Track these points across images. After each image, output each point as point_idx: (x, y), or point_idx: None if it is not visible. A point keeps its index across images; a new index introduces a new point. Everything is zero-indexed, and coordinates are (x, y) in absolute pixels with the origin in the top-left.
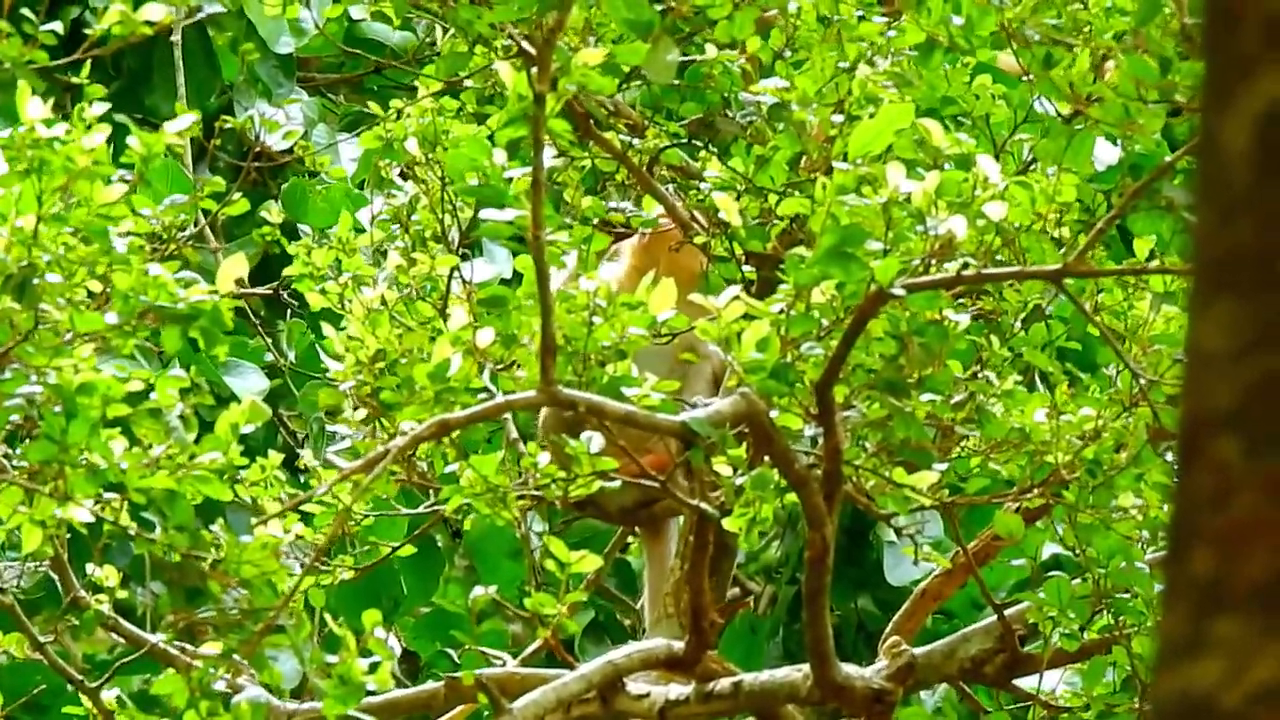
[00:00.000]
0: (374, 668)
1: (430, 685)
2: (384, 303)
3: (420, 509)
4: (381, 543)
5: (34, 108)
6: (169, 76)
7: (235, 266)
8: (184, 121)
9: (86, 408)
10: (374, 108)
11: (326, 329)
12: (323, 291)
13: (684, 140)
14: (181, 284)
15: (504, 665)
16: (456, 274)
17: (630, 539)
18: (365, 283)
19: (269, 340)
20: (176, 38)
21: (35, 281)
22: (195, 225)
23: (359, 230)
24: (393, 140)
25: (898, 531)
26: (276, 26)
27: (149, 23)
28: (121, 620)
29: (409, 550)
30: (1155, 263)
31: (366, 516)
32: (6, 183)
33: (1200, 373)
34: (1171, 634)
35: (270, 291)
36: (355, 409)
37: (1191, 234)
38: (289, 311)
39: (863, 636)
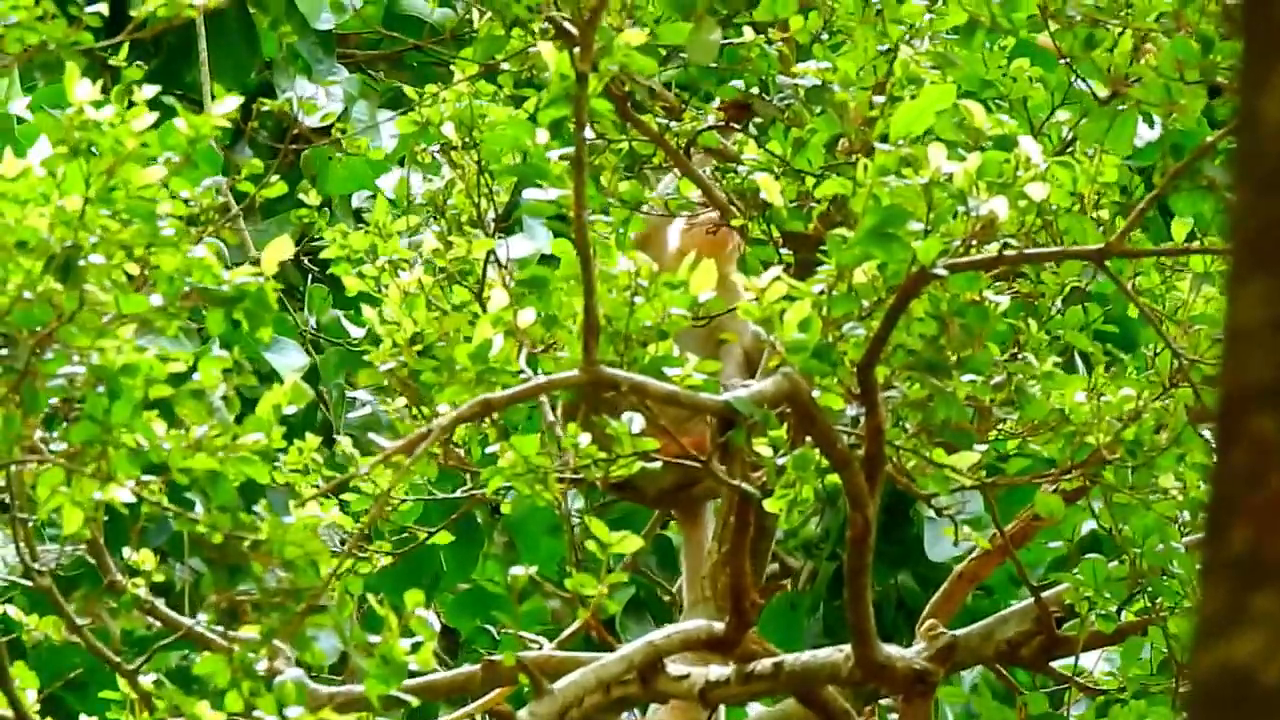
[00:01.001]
0: (416, 648)
1: (467, 668)
2: (420, 286)
3: (458, 493)
4: (419, 529)
5: (82, 89)
6: (210, 53)
7: (281, 248)
8: (228, 104)
9: (129, 388)
10: (409, 92)
11: (365, 310)
12: (359, 275)
13: (722, 123)
14: (224, 265)
15: (541, 649)
16: (493, 259)
17: (669, 517)
18: (402, 267)
19: (304, 316)
20: (199, 18)
21: (80, 263)
22: (231, 207)
23: (396, 206)
24: (428, 124)
25: (938, 511)
26: (316, 2)
27: (192, 5)
28: (158, 604)
29: (447, 538)
30: (1196, 243)
31: (404, 501)
32: (52, 164)
33: (1238, 348)
34: (1210, 610)
35: (291, 256)
36: (394, 396)
37: (1230, 211)
38: (309, 277)
39: (902, 613)
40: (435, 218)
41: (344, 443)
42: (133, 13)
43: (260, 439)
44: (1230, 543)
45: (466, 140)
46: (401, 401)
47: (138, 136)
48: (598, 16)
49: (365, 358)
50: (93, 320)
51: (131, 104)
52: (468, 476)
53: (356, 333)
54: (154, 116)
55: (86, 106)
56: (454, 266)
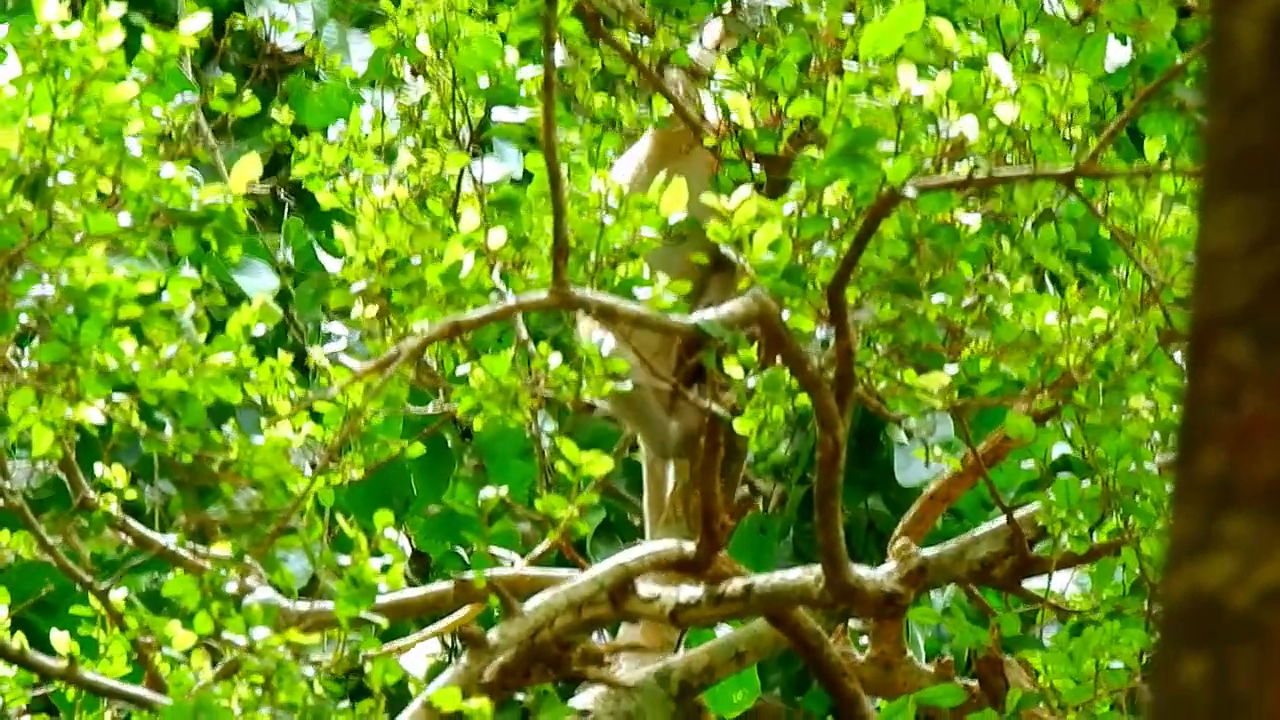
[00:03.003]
0: (386, 569)
1: (439, 586)
2: (395, 201)
3: (430, 409)
4: (391, 441)
5: (50, 7)
6: None
7: (249, 167)
8: (198, 21)
9: (98, 309)
10: (385, 4)
11: (338, 229)
12: (333, 190)
13: (694, 41)
14: (194, 184)
15: (513, 566)
16: (467, 172)
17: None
18: (376, 181)
19: (278, 238)
20: None
21: (49, 183)
22: (205, 124)
23: (372, 125)
24: (404, 38)
25: (909, 433)
26: None
27: None
28: (130, 520)
29: (419, 450)
30: (1166, 164)
31: (376, 414)
32: (20, 83)
33: (1210, 272)
34: (1181, 533)
35: (269, 188)
36: (366, 306)
37: (1202, 133)
38: (286, 209)
39: (873, 536)
40: (410, 128)
41: (315, 353)
42: None
43: (229, 359)
44: (1202, 466)
45: (441, 53)
46: (374, 310)
47: (106, 55)
48: None
49: (337, 274)
50: (62, 240)
51: (100, 26)
52: (440, 394)
53: (332, 265)
54: (121, 35)
55: (54, 25)
56: (429, 182)
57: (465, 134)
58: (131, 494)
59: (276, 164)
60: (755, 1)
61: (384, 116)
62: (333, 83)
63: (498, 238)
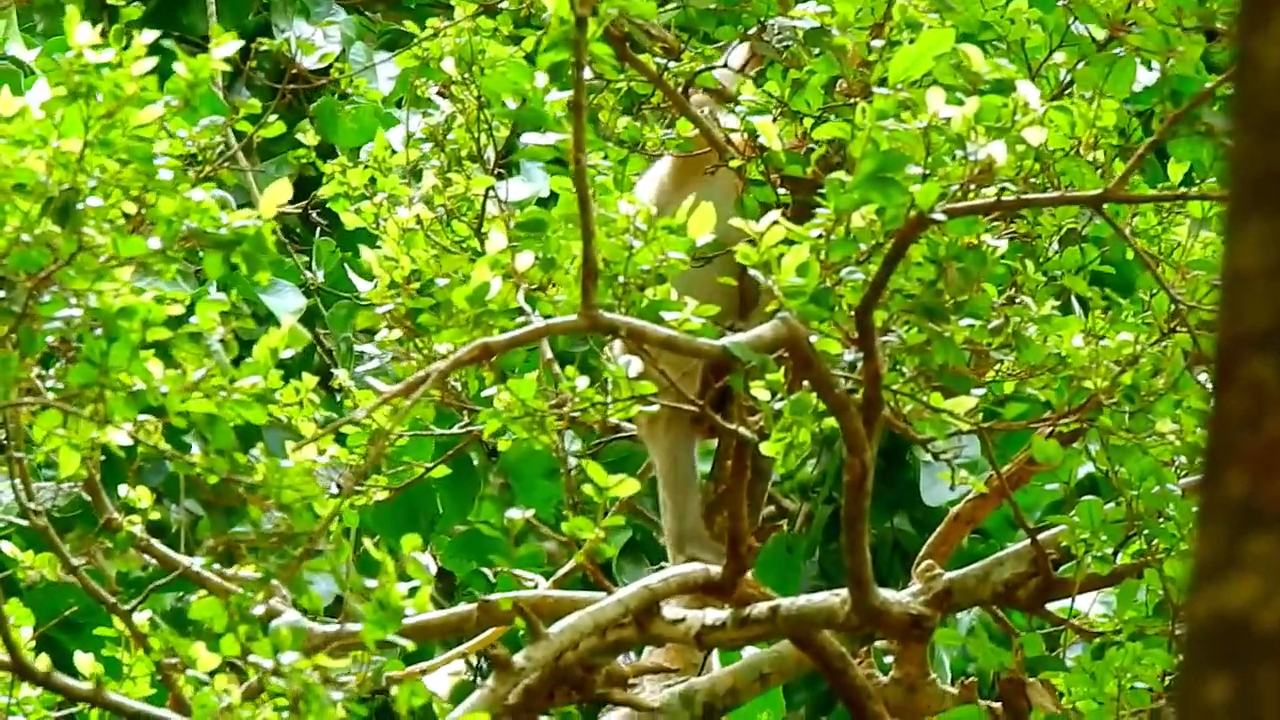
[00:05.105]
0: (413, 592)
1: (463, 608)
2: (419, 222)
3: (455, 429)
4: (416, 464)
5: (82, 32)
6: None
7: (279, 192)
8: (229, 47)
9: (127, 331)
10: (411, 27)
11: (363, 250)
12: (357, 211)
13: (720, 64)
14: (223, 206)
15: (536, 588)
16: (492, 194)
17: None
18: (400, 202)
19: (304, 260)
20: None
21: (78, 206)
22: (230, 147)
23: (393, 150)
24: (429, 60)
25: (935, 456)
26: None
27: None
28: (154, 542)
29: (443, 471)
30: (1194, 188)
31: (401, 437)
32: (50, 107)
33: (1236, 293)
34: (1206, 554)
35: (300, 210)
36: (390, 329)
37: (1229, 156)
38: (318, 230)
39: (898, 556)
40: (435, 150)
41: (341, 376)
42: None
43: (257, 382)
44: (1226, 488)
45: (466, 75)
46: (396, 334)
47: (137, 81)
48: None
49: (363, 296)
50: (90, 262)
51: (130, 45)
52: (465, 414)
53: (364, 286)
54: (153, 61)
55: (86, 50)
56: (453, 203)
57: (490, 155)
58: (156, 514)
59: (306, 184)
60: (782, 24)
61: (408, 137)
62: (366, 105)
63: (525, 260)
